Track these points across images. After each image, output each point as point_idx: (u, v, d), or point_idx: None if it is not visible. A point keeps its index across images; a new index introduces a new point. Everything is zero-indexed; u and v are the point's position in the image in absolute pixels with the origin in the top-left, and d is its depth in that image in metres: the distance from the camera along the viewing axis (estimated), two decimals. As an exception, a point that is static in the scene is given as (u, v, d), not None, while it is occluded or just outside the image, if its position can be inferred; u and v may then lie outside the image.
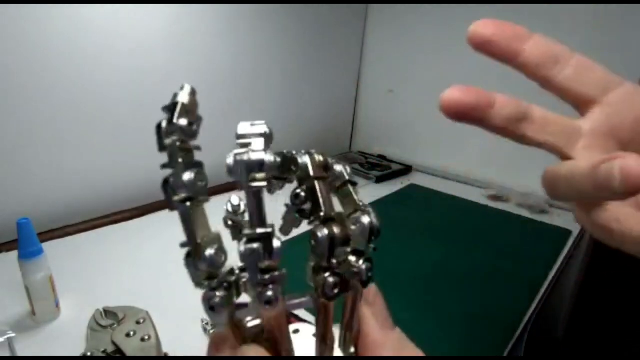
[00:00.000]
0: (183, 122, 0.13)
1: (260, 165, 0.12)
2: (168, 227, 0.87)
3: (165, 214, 0.92)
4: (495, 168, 1.21)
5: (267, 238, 0.13)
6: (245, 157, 0.13)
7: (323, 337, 0.16)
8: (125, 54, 0.82)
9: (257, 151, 0.13)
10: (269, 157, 0.13)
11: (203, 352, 0.52)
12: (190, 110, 0.14)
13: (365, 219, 0.14)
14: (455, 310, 0.64)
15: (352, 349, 0.16)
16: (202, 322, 0.56)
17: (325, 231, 0.13)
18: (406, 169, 1.30)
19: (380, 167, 1.29)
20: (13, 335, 0.49)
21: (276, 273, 0.13)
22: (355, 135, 1.56)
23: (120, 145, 0.87)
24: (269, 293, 0.13)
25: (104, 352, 0.47)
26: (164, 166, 0.14)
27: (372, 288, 0.18)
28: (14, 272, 0.54)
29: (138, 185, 0.93)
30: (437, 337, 0.58)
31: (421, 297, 0.67)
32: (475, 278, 0.73)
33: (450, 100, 0.19)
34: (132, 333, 0.49)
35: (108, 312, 0.53)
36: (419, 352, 0.17)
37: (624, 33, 0.95)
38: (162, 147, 0.13)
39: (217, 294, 0.13)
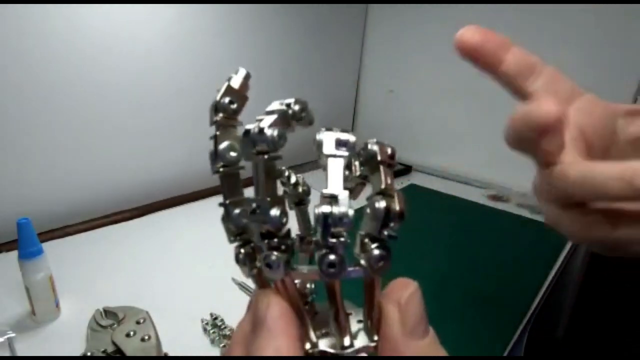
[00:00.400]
0: (225, 100, 0.16)
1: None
2: (168, 227, 0.88)
3: (165, 214, 0.93)
4: (495, 168, 1.21)
5: (264, 206, 0.14)
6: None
7: (336, 319, 0.16)
8: (126, 55, 0.82)
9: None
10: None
11: (203, 352, 0.52)
12: (236, 91, 0.17)
13: (381, 203, 0.14)
14: (455, 310, 0.64)
15: (376, 337, 0.16)
16: (202, 322, 0.56)
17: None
18: (406, 169, 1.30)
19: (380, 167, 1.29)
20: (13, 335, 0.49)
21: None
22: (356, 135, 1.56)
23: (120, 145, 0.87)
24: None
25: (104, 352, 0.47)
26: (211, 138, 0.16)
27: (409, 285, 0.16)
28: (14, 272, 0.54)
29: (138, 185, 0.93)
30: (437, 336, 0.58)
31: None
32: (475, 278, 0.73)
33: (467, 39, 0.19)
34: (132, 333, 0.49)
35: (108, 312, 0.53)
36: None
37: (623, 33, 0.95)
38: (211, 123, 0.16)
39: (242, 250, 0.15)
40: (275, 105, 0.16)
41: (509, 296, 0.68)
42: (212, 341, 0.53)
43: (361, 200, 0.17)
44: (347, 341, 0.16)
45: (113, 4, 0.77)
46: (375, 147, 0.16)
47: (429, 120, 1.33)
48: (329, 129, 0.15)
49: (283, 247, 0.14)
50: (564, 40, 1.03)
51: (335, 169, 0.14)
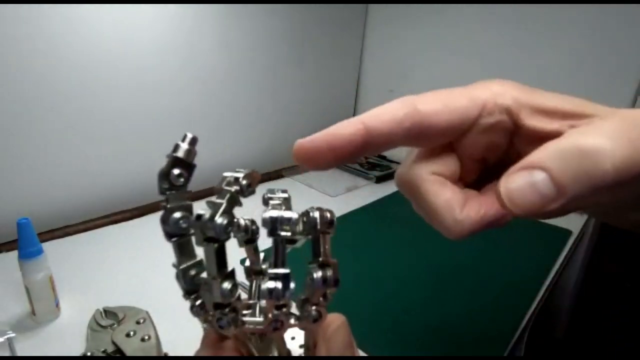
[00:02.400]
0: (174, 172, 0.17)
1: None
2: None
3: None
4: (495, 168, 1.21)
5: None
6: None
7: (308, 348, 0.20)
8: (125, 56, 0.82)
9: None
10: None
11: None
12: (183, 161, 0.18)
13: (318, 274, 0.17)
14: (455, 310, 0.64)
15: None
16: (202, 322, 0.56)
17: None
18: (406, 169, 1.30)
19: (380, 167, 1.29)
20: (13, 335, 0.49)
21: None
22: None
23: (121, 145, 0.87)
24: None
25: (104, 352, 0.47)
26: (162, 202, 0.17)
27: (335, 320, 0.19)
28: (14, 272, 0.54)
29: (138, 185, 0.93)
30: (437, 337, 0.58)
31: (421, 296, 0.67)
32: (475, 278, 0.73)
33: (298, 153, 0.20)
34: (132, 333, 0.49)
35: (108, 312, 0.53)
36: None
37: (623, 33, 0.95)
38: (160, 192, 0.17)
39: (225, 317, 0.17)
40: (225, 182, 0.18)
41: (509, 296, 0.68)
42: (212, 341, 0.53)
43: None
44: None
45: (112, 4, 0.77)
46: (316, 215, 0.18)
47: (429, 120, 1.33)
48: (274, 207, 0.17)
49: (233, 309, 0.17)
50: (564, 40, 1.03)
51: (280, 250, 0.17)
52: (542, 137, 0.18)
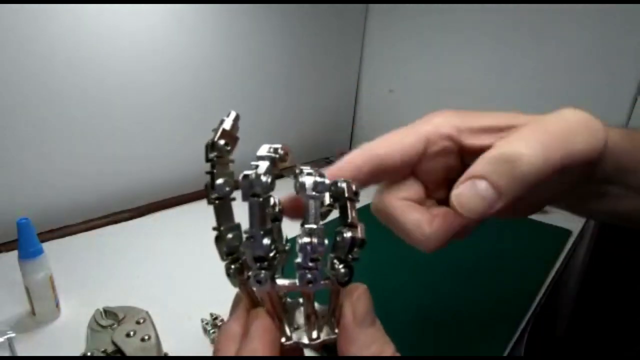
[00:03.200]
0: (221, 142, 0.19)
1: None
2: (168, 227, 0.88)
3: (165, 214, 0.93)
4: (495, 168, 1.21)
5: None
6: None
7: (308, 316, 0.21)
8: (125, 56, 0.82)
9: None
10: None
11: (203, 352, 0.52)
12: (229, 134, 0.19)
13: (347, 233, 0.18)
14: (455, 309, 0.64)
15: (336, 330, 0.20)
16: (202, 322, 0.56)
17: (306, 239, 0.17)
18: (406, 169, 1.30)
19: (380, 167, 1.29)
20: (13, 335, 0.49)
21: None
22: (355, 135, 1.56)
23: (121, 145, 0.87)
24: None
25: (104, 352, 0.47)
26: (207, 173, 0.19)
27: (359, 289, 0.20)
28: (14, 272, 0.54)
29: (138, 185, 0.93)
30: (437, 337, 0.58)
31: (421, 296, 0.67)
32: (475, 278, 0.73)
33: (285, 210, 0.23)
34: (132, 333, 0.49)
35: (108, 312, 0.53)
36: (388, 346, 0.19)
37: (623, 33, 0.95)
38: (207, 160, 0.19)
39: (232, 266, 0.19)
40: (264, 150, 0.20)
41: (509, 296, 0.68)
42: (212, 341, 0.53)
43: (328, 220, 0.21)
44: (314, 334, 0.20)
45: (111, 4, 0.77)
46: (344, 185, 0.20)
47: (429, 120, 1.33)
48: (308, 173, 0.19)
49: (270, 266, 0.18)
50: (564, 41, 1.03)
51: (314, 208, 0.18)
52: (483, 151, 0.21)
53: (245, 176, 0.18)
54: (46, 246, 0.55)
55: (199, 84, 0.98)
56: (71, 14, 0.73)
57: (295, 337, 0.20)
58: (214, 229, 0.19)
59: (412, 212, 0.23)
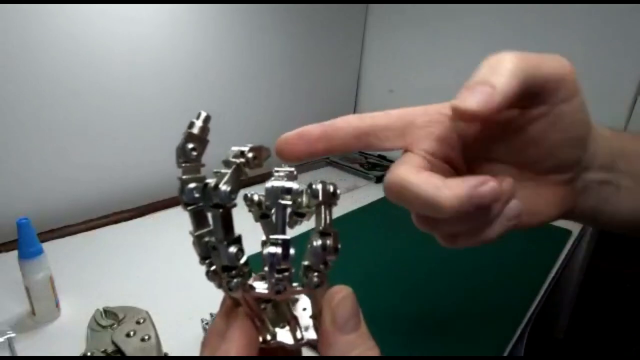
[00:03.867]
0: (188, 146, 0.19)
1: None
2: (168, 227, 0.88)
3: (165, 214, 0.93)
4: (495, 168, 1.21)
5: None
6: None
7: (288, 322, 0.21)
8: (125, 56, 0.82)
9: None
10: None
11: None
12: (197, 137, 0.19)
13: (317, 242, 0.18)
14: (455, 310, 0.64)
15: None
16: (202, 322, 0.56)
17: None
18: (406, 169, 1.30)
19: (380, 167, 1.29)
20: (13, 335, 0.49)
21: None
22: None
23: (121, 145, 0.87)
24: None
25: (104, 352, 0.47)
26: (179, 179, 0.19)
27: (339, 294, 0.19)
28: (14, 272, 0.54)
29: (138, 185, 0.93)
30: (437, 337, 0.58)
31: (420, 296, 0.67)
32: (475, 278, 0.73)
33: (282, 152, 0.24)
34: (132, 333, 0.49)
35: (108, 312, 0.53)
36: (372, 352, 0.19)
37: (623, 33, 0.95)
38: (178, 165, 0.19)
39: (233, 280, 0.18)
40: (232, 154, 0.19)
41: (509, 296, 0.68)
42: (212, 341, 0.53)
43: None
44: (299, 335, 0.20)
45: (110, 4, 0.77)
46: (319, 187, 0.19)
47: (429, 120, 1.33)
48: (279, 177, 0.19)
49: (240, 273, 0.18)
50: (564, 40, 1.03)
51: (280, 217, 0.17)
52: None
53: (205, 185, 0.18)
54: (46, 246, 0.55)
55: (199, 84, 0.98)
56: (71, 14, 0.73)
57: (280, 336, 0.20)
58: (190, 233, 0.19)
59: (429, 176, 0.21)
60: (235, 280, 0.18)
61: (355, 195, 1.08)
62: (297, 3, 1.13)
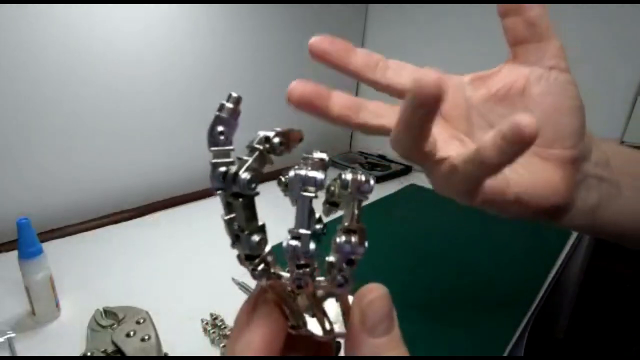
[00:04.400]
0: (217, 129, 0.18)
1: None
2: (168, 227, 0.88)
3: (165, 214, 0.93)
4: (495, 168, 1.21)
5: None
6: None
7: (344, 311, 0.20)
8: (125, 56, 0.82)
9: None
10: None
11: (203, 352, 0.52)
12: (226, 120, 0.18)
13: (341, 238, 0.16)
14: (455, 310, 0.64)
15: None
16: (202, 322, 0.56)
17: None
18: (406, 169, 1.30)
19: (380, 167, 1.29)
20: (13, 335, 0.49)
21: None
22: (355, 135, 1.56)
23: (121, 145, 0.87)
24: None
25: (104, 352, 0.47)
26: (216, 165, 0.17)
27: (375, 290, 0.18)
28: (14, 272, 0.54)
29: (138, 185, 0.93)
30: (437, 337, 0.58)
31: (421, 296, 0.67)
32: (475, 278, 0.73)
33: (294, 90, 0.26)
34: (132, 333, 0.49)
35: (108, 312, 0.53)
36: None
37: (623, 33, 0.95)
38: (209, 148, 0.18)
39: (258, 268, 0.17)
40: (257, 140, 0.18)
41: (509, 296, 0.68)
42: (212, 341, 0.53)
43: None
44: (328, 326, 0.19)
45: (110, 4, 0.77)
46: (349, 178, 0.18)
47: (429, 120, 1.33)
48: (303, 164, 0.17)
49: (264, 263, 0.17)
50: (564, 40, 1.03)
51: (302, 209, 0.17)
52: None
53: (225, 174, 0.17)
54: (46, 246, 0.55)
55: (199, 85, 0.98)
56: (75, 15, 0.73)
57: (311, 325, 0.19)
58: (222, 217, 0.18)
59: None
60: (259, 268, 0.17)
61: (355, 195, 1.08)
62: (297, 3, 1.13)
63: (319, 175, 0.17)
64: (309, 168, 0.17)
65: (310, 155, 0.19)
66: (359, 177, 0.18)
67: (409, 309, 0.63)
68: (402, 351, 0.18)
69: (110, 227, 0.84)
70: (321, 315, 0.19)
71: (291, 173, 0.17)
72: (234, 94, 0.18)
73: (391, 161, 1.36)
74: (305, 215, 0.17)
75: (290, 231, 0.16)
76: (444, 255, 0.81)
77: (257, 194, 0.17)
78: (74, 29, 0.74)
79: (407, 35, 1.33)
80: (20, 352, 0.49)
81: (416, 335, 0.58)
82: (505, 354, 0.56)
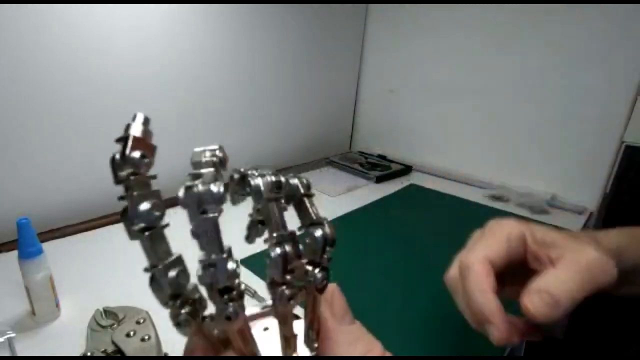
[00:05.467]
0: (136, 154, 0.14)
1: (209, 198, 0.14)
2: (168, 227, 0.88)
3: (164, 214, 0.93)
4: (495, 168, 1.21)
5: (221, 263, 0.14)
6: (195, 190, 0.14)
7: (286, 339, 0.18)
8: (126, 57, 0.82)
9: (208, 183, 0.14)
10: (217, 189, 0.14)
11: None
12: (143, 142, 0.15)
13: (318, 232, 0.16)
14: (455, 309, 0.64)
15: (315, 344, 0.18)
16: (202, 322, 0.56)
17: (277, 250, 0.15)
18: (406, 169, 1.30)
19: (380, 167, 1.29)
20: (13, 335, 0.49)
21: (234, 292, 0.14)
22: (355, 135, 1.56)
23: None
24: (230, 310, 0.14)
25: (104, 352, 0.47)
26: (121, 198, 0.14)
27: (331, 287, 0.18)
28: (14, 272, 0.54)
29: (138, 185, 0.93)
30: (437, 337, 0.58)
31: (421, 296, 0.67)
32: (475, 278, 0.73)
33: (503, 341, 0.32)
34: (132, 333, 0.49)
35: (108, 312, 0.53)
36: (375, 344, 0.18)
37: (624, 33, 0.95)
38: (117, 181, 0.14)
39: (182, 311, 0.15)
40: (200, 156, 0.16)
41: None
42: (212, 341, 0.53)
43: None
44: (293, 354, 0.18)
45: (110, 4, 0.77)
46: (296, 181, 0.17)
47: (429, 120, 1.33)
48: (261, 174, 0.16)
49: (188, 304, 0.15)
50: (564, 40, 1.03)
51: (277, 211, 0.15)
52: (538, 257, 0.33)
53: (189, 188, 0.14)
54: (46, 246, 0.55)
55: (199, 85, 0.98)
56: (75, 15, 0.73)
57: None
58: (146, 270, 0.15)
59: (492, 297, 0.31)
60: (232, 305, 0.14)
61: (355, 195, 1.08)
62: (297, 3, 1.13)
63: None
64: (266, 173, 0.16)
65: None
66: (301, 179, 0.17)
67: (409, 308, 0.63)
68: (372, 338, 0.19)
69: (110, 227, 0.84)
70: (295, 340, 0.18)
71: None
72: (141, 114, 0.16)
73: (391, 161, 1.36)
74: (282, 216, 0.15)
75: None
76: (444, 255, 0.81)
77: (165, 226, 0.15)
78: (74, 29, 0.74)
79: (407, 35, 1.33)
80: (20, 352, 0.49)
81: (416, 334, 0.58)
82: (505, 354, 0.56)
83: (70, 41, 0.74)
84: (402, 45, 1.35)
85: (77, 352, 0.49)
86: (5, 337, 0.48)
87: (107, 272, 0.68)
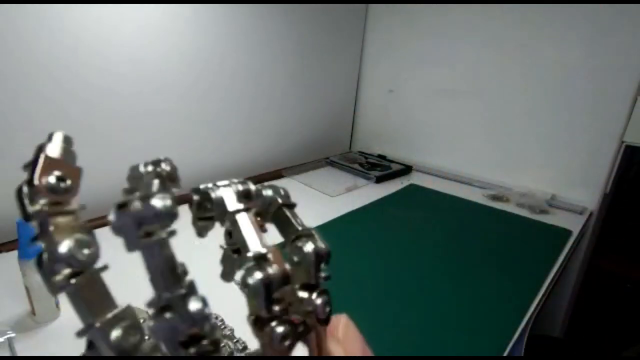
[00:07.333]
0: (50, 179, 0.10)
1: (152, 215, 0.10)
2: (106, 269, 0.87)
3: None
4: (495, 168, 1.21)
5: (180, 301, 0.09)
6: (131, 208, 0.10)
7: None
8: (127, 57, 0.82)
9: (148, 198, 0.10)
10: (161, 203, 0.10)
11: (203, 352, 0.52)
12: (60, 163, 0.10)
13: (308, 246, 0.12)
14: (455, 310, 0.64)
15: None
16: (202, 322, 0.56)
17: (257, 275, 0.11)
18: (406, 169, 1.30)
19: (380, 167, 1.29)
20: (13, 335, 0.49)
21: (204, 342, 0.10)
22: (355, 135, 1.56)
23: (120, 145, 0.87)
24: (281, 329, 0.11)
25: (104, 352, 0.47)
26: (34, 239, 0.10)
27: (341, 321, 0.15)
28: (14, 272, 0.54)
29: (138, 185, 0.93)
30: (437, 337, 0.58)
31: (421, 297, 0.67)
32: (475, 278, 0.73)
33: None
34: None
35: (108, 312, 0.53)
36: None
37: (623, 33, 0.95)
38: (26, 217, 0.10)
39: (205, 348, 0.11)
40: (139, 169, 0.12)
41: (509, 296, 0.68)
42: (212, 341, 0.53)
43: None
44: None
45: (109, 4, 0.77)
46: (271, 193, 0.14)
47: (429, 120, 1.33)
48: (224, 185, 0.13)
49: (210, 344, 0.11)
50: (564, 40, 1.03)
51: (250, 223, 0.12)
52: None
53: (122, 206, 0.10)
54: (46, 246, 0.55)
55: (199, 85, 0.98)
56: (77, 15, 0.73)
57: None
58: (79, 334, 0.10)
59: None
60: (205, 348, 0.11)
61: (355, 195, 1.08)
62: (297, 3, 1.13)
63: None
64: (232, 183, 0.12)
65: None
66: (278, 189, 0.14)
67: (409, 308, 0.63)
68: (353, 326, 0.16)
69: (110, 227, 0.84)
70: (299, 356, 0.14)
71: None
72: (59, 133, 0.11)
73: (391, 161, 1.36)
74: (258, 229, 0.12)
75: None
76: (444, 255, 0.81)
77: (103, 269, 0.10)
78: (74, 29, 0.74)
79: (407, 35, 1.33)
80: (20, 352, 0.49)
81: (417, 335, 0.58)
82: (505, 354, 0.56)
83: (71, 41, 0.74)
84: (402, 46, 1.35)
85: (77, 352, 0.49)
86: (5, 337, 0.48)
87: (107, 272, 0.68)
